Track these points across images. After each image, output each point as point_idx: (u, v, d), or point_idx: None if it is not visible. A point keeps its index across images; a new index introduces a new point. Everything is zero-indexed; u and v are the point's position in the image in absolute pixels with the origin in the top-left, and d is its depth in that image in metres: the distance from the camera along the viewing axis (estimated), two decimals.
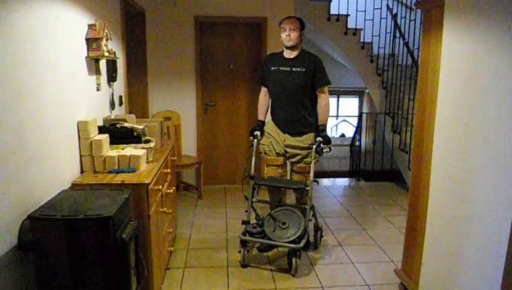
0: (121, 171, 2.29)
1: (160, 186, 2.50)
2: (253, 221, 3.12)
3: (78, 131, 2.27)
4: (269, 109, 3.35)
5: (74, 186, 2.11)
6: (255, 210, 3.12)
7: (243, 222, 3.07)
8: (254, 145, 3.17)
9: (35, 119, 1.78)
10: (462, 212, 1.78)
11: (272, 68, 3.17)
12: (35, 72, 1.78)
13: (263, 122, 3.29)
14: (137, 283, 1.83)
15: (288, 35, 3.05)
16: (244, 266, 2.98)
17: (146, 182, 2.15)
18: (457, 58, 1.84)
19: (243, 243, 2.96)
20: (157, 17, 4.50)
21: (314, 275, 2.91)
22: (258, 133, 3.20)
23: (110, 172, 2.29)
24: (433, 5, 2.27)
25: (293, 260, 2.85)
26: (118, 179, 2.17)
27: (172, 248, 3.12)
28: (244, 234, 2.98)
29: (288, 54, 3.12)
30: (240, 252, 2.97)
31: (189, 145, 4.81)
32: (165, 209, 2.67)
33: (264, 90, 3.33)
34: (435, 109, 2.16)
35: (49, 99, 1.93)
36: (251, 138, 3.22)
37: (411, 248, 2.55)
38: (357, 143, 6.31)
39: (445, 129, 1.99)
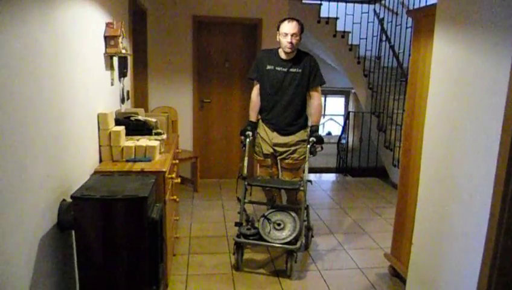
0: (138, 160, 2.47)
1: (173, 175, 2.69)
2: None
3: (98, 123, 2.43)
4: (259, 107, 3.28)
5: (97, 173, 2.27)
6: (245, 211, 3.05)
7: (236, 224, 2.98)
8: (247, 145, 3.13)
9: (70, 110, 1.95)
10: (448, 197, 2.03)
11: (268, 67, 3.12)
12: (68, 67, 1.95)
13: (255, 123, 3.25)
14: (160, 260, 2.01)
15: (290, 42, 2.98)
16: (237, 269, 2.93)
17: (164, 170, 2.33)
18: (446, 63, 2.08)
19: (238, 246, 2.91)
20: (157, 16, 4.67)
21: (310, 260, 3.15)
22: (249, 133, 3.14)
23: (127, 161, 2.46)
24: (423, 14, 2.53)
25: (289, 263, 2.83)
26: (137, 167, 2.35)
27: (177, 235, 3.30)
28: (238, 236, 2.90)
29: (285, 55, 3.07)
30: (234, 254, 2.93)
31: (185, 140, 4.97)
32: (174, 197, 2.85)
33: (256, 88, 3.25)
34: (424, 109, 2.40)
35: (79, 92, 2.10)
36: (242, 137, 3.16)
37: (400, 232, 2.81)
38: (344, 141, 6.60)
39: (433, 126, 2.23)
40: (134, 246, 1.76)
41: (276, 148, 3.18)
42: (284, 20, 3.04)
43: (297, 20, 3.04)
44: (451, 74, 2.03)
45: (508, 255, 1.66)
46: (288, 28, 2.98)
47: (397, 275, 2.88)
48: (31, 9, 1.52)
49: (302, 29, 3.04)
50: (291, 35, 2.97)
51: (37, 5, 1.58)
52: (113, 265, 1.75)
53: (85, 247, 1.73)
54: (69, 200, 1.77)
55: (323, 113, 8.07)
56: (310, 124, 3.22)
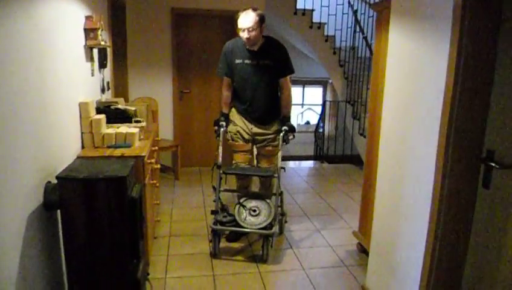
0: (118, 146, 2.62)
1: (153, 161, 2.85)
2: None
3: (80, 111, 2.56)
4: (233, 98, 3.29)
5: (79, 158, 2.41)
6: (220, 199, 3.10)
7: (212, 212, 3.06)
8: (221, 135, 3.16)
9: (53, 99, 2.08)
10: (401, 176, 2.24)
11: (237, 61, 3.08)
12: (52, 59, 2.08)
13: (227, 114, 3.28)
14: (141, 237, 2.18)
15: (247, 38, 2.90)
16: (214, 256, 3.00)
17: (143, 154, 2.49)
18: (399, 55, 2.27)
19: (214, 233, 2.98)
20: (136, 8, 4.77)
21: (284, 240, 3.36)
22: (223, 123, 3.18)
23: (109, 147, 2.61)
24: (383, 7, 2.73)
25: (265, 248, 2.93)
26: (118, 152, 2.50)
27: (158, 218, 3.46)
28: (215, 223, 2.98)
29: (252, 46, 3.03)
30: (211, 241, 3.01)
31: (166, 130, 5.12)
32: (154, 181, 3.01)
33: (226, 82, 3.24)
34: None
35: (61, 82, 2.23)
36: (216, 127, 3.19)
37: (366, 211, 3.04)
38: (321, 129, 6.82)
39: (389, 113, 2.43)
40: (116, 222, 1.91)
41: (256, 137, 3.25)
42: (241, 11, 2.93)
43: (256, 10, 2.92)
44: (402, 63, 2.23)
45: (449, 227, 1.88)
46: (243, 22, 2.87)
47: (364, 251, 3.11)
48: (13, 2, 1.64)
49: (262, 19, 2.92)
50: (248, 30, 2.88)
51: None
52: (97, 241, 1.91)
53: (70, 224, 1.88)
54: (54, 182, 1.92)
55: (301, 103, 8.28)
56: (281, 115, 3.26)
